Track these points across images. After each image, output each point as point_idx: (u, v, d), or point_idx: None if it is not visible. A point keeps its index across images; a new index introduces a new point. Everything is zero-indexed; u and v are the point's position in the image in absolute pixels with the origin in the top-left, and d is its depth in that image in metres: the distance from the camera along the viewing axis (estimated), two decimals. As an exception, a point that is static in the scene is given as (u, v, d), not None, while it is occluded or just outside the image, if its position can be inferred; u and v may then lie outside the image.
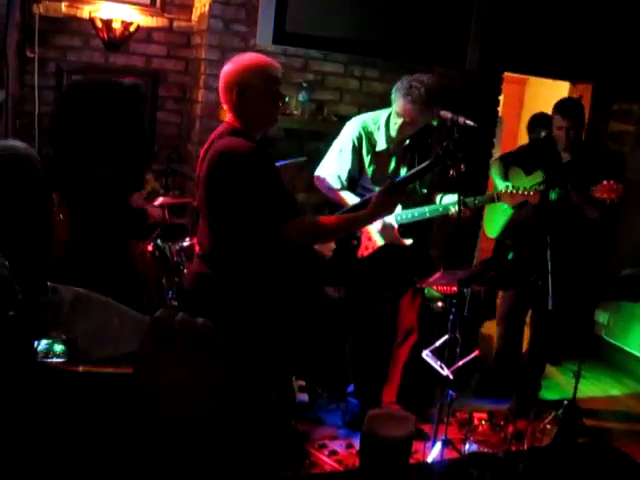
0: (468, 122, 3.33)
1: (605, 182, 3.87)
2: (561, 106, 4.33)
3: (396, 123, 3.73)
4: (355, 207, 3.32)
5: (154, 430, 0.97)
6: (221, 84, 2.86)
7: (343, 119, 4.26)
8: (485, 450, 1.53)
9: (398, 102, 3.68)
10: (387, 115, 3.83)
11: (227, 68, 2.86)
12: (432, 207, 3.83)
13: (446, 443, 3.53)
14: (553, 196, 3.96)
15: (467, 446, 1.65)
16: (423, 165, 3.20)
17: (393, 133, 3.78)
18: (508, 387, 4.52)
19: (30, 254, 1.10)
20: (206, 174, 2.81)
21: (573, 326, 4.89)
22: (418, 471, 1.71)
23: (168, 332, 0.98)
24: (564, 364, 5.29)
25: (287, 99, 2.99)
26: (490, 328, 5.05)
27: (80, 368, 1.06)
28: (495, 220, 4.49)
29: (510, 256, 4.47)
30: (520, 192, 3.90)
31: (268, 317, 2.91)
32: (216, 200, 2.84)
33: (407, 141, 3.85)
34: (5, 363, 0.92)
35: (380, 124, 3.84)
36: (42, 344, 0.99)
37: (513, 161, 4.47)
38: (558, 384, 5.04)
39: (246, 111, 2.82)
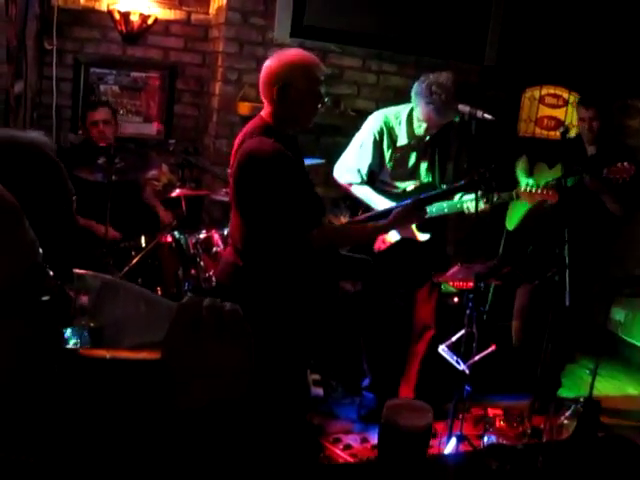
0: (486, 116, 3.32)
1: (619, 164, 3.84)
2: (584, 97, 4.29)
3: (421, 126, 3.72)
4: (377, 215, 3.33)
5: (182, 416, 0.97)
6: (262, 78, 2.81)
7: (360, 114, 4.26)
8: (504, 442, 1.52)
9: (421, 109, 3.65)
10: (408, 110, 3.81)
11: (271, 62, 2.81)
12: (450, 203, 3.80)
13: (461, 439, 3.51)
14: (570, 182, 3.92)
15: (485, 438, 1.65)
16: (454, 186, 3.25)
17: (418, 131, 3.77)
18: (526, 383, 4.47)
19: (53, 242, 1.09)
20: (235, 173, 2.83)
21: (588, 322, 4.85)
22: (436, 462, 1.70)
23: (196, 318, 0.98)
24: (580, 361, 5.25)
25: (327, 101, 2.97)
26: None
27: (107, 355, 1.06)
28: (515, 212, 4.47)
29: (529, 250, 4.44)
30: (539, 191, 3.87)
31: (292, 311, 2.92)
32: (243, 199, 2.86)
33: (427, 138, 3.83)
34: (37, 349, 0.92)
35: (402, 119, 3.82)
36: (68, 332, 0.99)
37: (540, 157, 4.43)
38: (573, 381, 5.00)
39: (284, 108, 2.79)
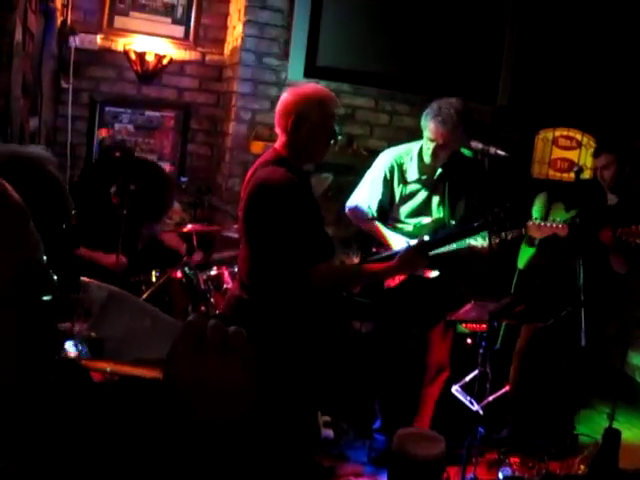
0: (500, 152, 3.31)
1: (634, 227, 3.81)
2: (601, 143, 4.27)
3: (429, 148, 3.70)
4: (386, 257, 3.30)
5: (184, 433, 0.94)
6: (279, 109, 2.86)
7: (373, 153, 4.24)
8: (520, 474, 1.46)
9: (429, 126, 3.66)
10: (419, 147, 3.81)
11: (288, 95, 2.87)
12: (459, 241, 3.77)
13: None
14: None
15: (500, 475, 1.59)
16: (466, 227, 3.22)
17: (427, 159, 3.75)
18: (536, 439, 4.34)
19: (53, 252, 1.08)
20: (245, 201, 2.83)
21: (604, 365, 4.75)
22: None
23: (200, 336, 0.96)
24: (596, 406, 5.14)
25: (339, 138, 3.00)
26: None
27: (108, 368, 1.03)
28: (525, 250, 4.42)
29: (538, 284, 4.37)
30: (548, 225, 3.84)
31: (298, 348, 2.88)
32: (252, 230, 2.86)
33: (439, 171, 3.81)
34: (35, 351, 0.90)
35: (413, 154, 3.82)
36: (69, 343, 0.97)
37: (559, 196, 4.38)
38: (590, 427, 4.88)
39: (298, 141, 2.82)
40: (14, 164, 1.15)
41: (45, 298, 0.90)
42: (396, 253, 3.15)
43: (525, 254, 4.42)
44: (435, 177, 3.83)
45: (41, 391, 0.97)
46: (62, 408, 1.06)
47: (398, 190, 3.85)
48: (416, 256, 2.99)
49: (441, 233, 3.63)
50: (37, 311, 0.89)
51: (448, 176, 3.84)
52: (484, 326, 3.50)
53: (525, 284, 4.57)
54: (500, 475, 1.51)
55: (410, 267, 3.06)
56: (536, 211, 4.30)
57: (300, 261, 2.77)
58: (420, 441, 1.34)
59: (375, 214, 3.86)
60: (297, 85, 2.98)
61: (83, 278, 1.01)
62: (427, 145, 3.72)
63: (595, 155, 4.24)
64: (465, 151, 3.86)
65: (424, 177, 3.82)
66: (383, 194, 3.84)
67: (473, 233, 3.41)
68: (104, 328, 0.99)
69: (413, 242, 3.16)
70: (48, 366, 0.97)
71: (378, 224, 3.83)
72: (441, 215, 3.85)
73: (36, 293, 0.88)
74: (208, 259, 4.41)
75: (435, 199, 3.85)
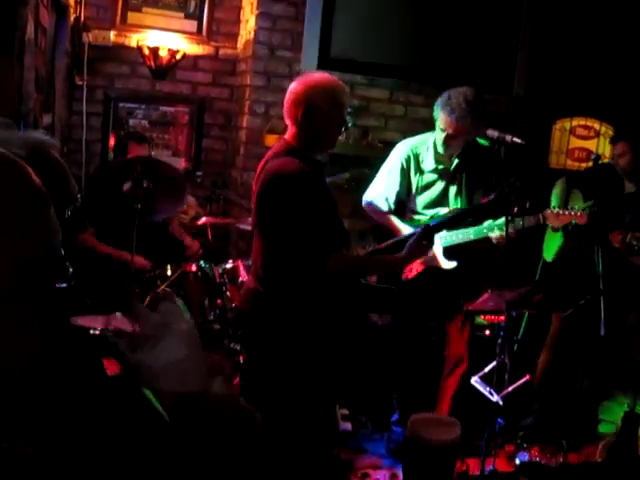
0: (516, 140, 3.26)
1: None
2: (619, 131, 4.22)
3: (441, 138, 3.67)
4: (396, 244, 3.26)
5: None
6: (288, 100, 2.83)
7: (388, 145, 4.21)
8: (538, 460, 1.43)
9: (440, 116, 3.64)
10: (435, 137, 3.78)
11: (296, 84, 2.84)
12: (476, 229, 3.73)
13: (494, 476, 3.38)
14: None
15: (517, 460, 1.56)
16: (478, 204, 3.16)
17: (440, 149, 3.72)
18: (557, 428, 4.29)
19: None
20: (258, 193, 2.81)
21: (623, 356, 4.68)
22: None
23: None
24: (617, 398, 5.07)
25: (350, 124, 2.97)
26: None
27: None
28: (553, 242, 4.35)
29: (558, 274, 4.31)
30: (567, 213, 3.79)
31: (316, 340, 2.86)
32: (266, 221, 2.84)
33: (455, 162, 3.77)
34: (47, 336, 0.90)
35: (429, 145, 3.79)
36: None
37: (577, 184, 4.33)
38: (612, 418, 4.83)
39: (308, 130, 2.80)
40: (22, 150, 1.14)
41: (59, 286, 0.90)
42: (405, 238, 3.12)
43: (552, 245, 4.36)
44: (452, 167, 3.79)
45: (51, 376, 0.97)
46: (71, 395, 1.06)
47: (415, 180, 3.81)
48: (420, 243, 2.94)
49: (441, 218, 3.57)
50: (51, 298, 0.88)
51: (465, 166, 3.80)
52: (502, 318, 3.46)
53: (548, 275, 4.51)
54: (517, 461, 1.48)
55: (418, 253, 3.00)
56: (555, 199, 4.25)
57: (316, 251, 2.74)
58: (435, 426, 1.32)
59: (393, 206, 3.83)
60: (305, 75, 2.93)
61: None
62: (439, 135, 3.69)
63: (612, 142, 4.19)
64: (481, 140, 3.82)
65: (440, 167, 3.78)
66: (400, 184, 3.81)
67: (488, 207, 3.33)
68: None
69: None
70: (58, 352, 0.97)
71: (393, 218, 3.80)
72: (459, 205, 3.81)
73: (51, 278, 0.88)
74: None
75: (452, 189, 3.81)
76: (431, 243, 3.06)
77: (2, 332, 0.84)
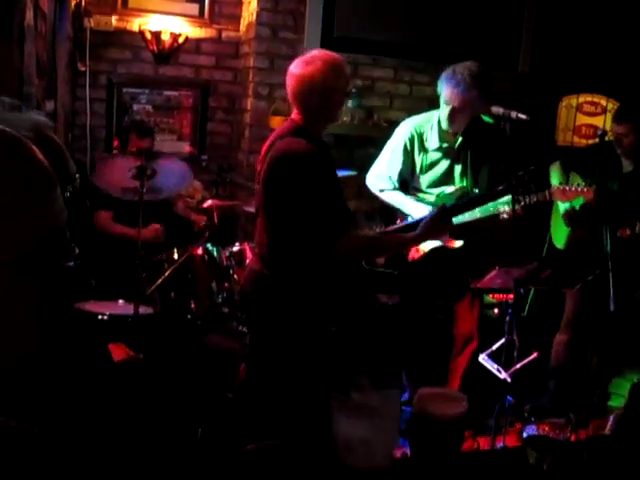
0: (521, 116, 3.23)
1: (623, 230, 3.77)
2: (619, 112, 4.18)
3: (445, 113, 3.65)
4: (407, 226, 3.26)
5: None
6: (292, 80, 2.81)
7: (393, 125, 4.18)
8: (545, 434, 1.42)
9: (444, 90, 3.62)
10: (439, 114, 3.75)
11: (299, 63, 2.82)
12: (484, 207, 3.71)
13: (503, 451, 3.38)
14: (611, 185, 3.81)
15: (524, 434, 1.55)
16: (489, 193, 3.17)
17: (444, 125, 3.70)
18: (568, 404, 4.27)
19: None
20: (265, 174, 2.79)
21: (632, 331, 4.66)
22: (471, 456, 1.61)
23: None
24: (625, 374, 5.05)
25: (355, 105, 3.01)
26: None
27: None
28: (560, 229, 4.31)
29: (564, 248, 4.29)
30: (573, 188, 3.77)
31: (323, 323, 2.86)
32: (272, 201, 2.82)
33: (459, 139, 3.75)
34: (52, 316, 0.91)
35: (433, 123, 3.76)
36: None
37: (574, 165, 4.30)
38: (622, 394, 4.82)
39: (314, 106, 2.79)
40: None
41: (63, 267, 0.90)
42: (416, 222, 3.11)
43: (561, 232, 4.32)
44: (456, 145, 3.76)
45: (57, 358, 0.97)
46: (77, 377, 1.07)
47: (419, 159, 3.79)
48: (438, 223, 2.94)
49: (463, 199, 3.59)
50: (55, 279, 0.88)
51: (470, 144, 3.77)
52: (511, 296, 3.44)
53: (555, 251, 4.48)
54: (524, 434, 1.48)
55: (433, 234, 3.03)
56: (555, 178, 4.22)
57: (324, 231, 2.73)
58: (442, 401, 1.31)
59: (397, 185, 3.81)
60: (304, 56, 2.90)
61: None
62: (444, 110, 3.66)
63: (615, 120, 4.15)
64: (486, 118, 3.79)
65: (445, 145, 3.75)
66: (404, 163, 3.79)
67: (496, 197, 3.34)
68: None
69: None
70: (64, 334, 0.97)
71: (400, 194, 3.78)
72: (464, 184, 3.79)
73: (56, 257, 0.89)
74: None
75: (457, 168, 3.79)
76: (449, 225, 3.07)
77: (6, 312, 0.84)
